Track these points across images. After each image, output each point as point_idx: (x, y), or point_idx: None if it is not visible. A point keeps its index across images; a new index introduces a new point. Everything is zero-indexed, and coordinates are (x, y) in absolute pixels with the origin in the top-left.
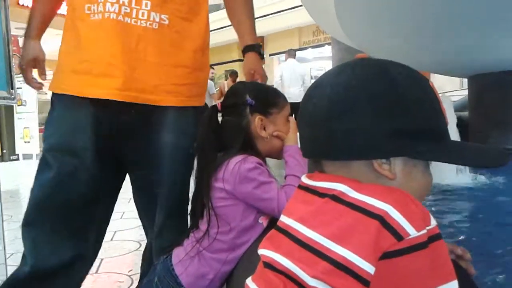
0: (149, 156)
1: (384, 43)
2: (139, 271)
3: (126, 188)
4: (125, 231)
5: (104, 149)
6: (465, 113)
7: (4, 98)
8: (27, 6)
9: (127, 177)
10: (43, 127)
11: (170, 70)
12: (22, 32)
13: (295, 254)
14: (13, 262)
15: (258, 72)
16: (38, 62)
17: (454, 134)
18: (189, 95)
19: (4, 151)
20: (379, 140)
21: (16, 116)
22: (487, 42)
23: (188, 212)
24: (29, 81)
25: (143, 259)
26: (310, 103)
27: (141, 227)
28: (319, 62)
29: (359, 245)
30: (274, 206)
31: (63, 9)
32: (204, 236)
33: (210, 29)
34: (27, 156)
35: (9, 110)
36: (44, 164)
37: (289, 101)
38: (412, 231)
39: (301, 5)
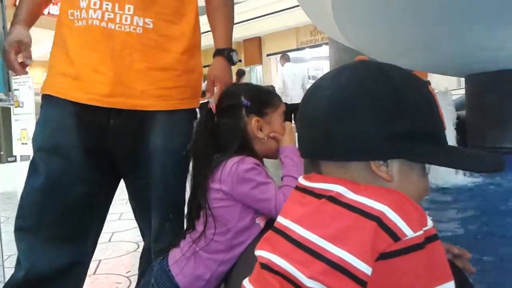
0: (141, 159)
1: (381, 44)
2: (137, 272)
3: (124, 189)
4: (123, 232)
5: (95, 151)
6: (463, 112)
7: (1, 100)
8: None
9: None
10: None
11: (157, 74)
12: None
13: (292, 255)
14: (11, 264)
15: (220, 80)
16: (22, 44)
17: (451, 133)
18: (180, 98)
19: (1, 152)
20: (378, 142)
21: (13, 117)
22: (484, 41)
23: (185, 215)
24: (11, 64)
25: (140, 261)
26: (309, 104)
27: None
28: (317, 62)
29: (356, 246)
30: (271, 207)
31: (56, 10)
32: (201, 237)
33: (206, 30)
34: (25, 158)
35: (6, 111)
36: (33, 168)
37: (291, 102)
38: (409, 232)
39: (298, 5)
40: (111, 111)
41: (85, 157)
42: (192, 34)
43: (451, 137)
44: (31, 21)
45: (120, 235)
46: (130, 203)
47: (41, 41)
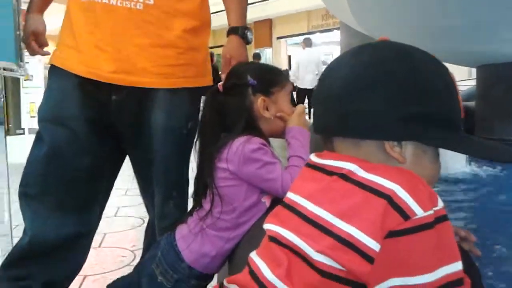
0: (142, 136)
1: (394, 29)
2: (141, 247)
3: (130, 165)
4: (128, 207)
5: (99, 124)
6: (472, 103)
7: (12, 70)
8: None
9: None
10: None
11: (158, 51)
12: None
13: (301, 229)
14: (19, 233)
15: (236, 58)
16: (37, 34)
17: None
18: (183, 76)
19: (10, 125)
20: (392, 122)
21: (22, 90)
22: (497, 32)
23: (189, 193)
24: (34, 52)
25: (145, 235)
26: (326, 81)
27: None
28: (327, 47)
29: (365, 223)
30: (278, 187)
31: None
32: (207, 215)
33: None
34: (33, 131)
35: (16, 84)
36: (37, 138)
37: (303, 87)
38: (419, 211)
39: None
40: (112, 87)
41: (89, 130)
42: (198, 11)
43: None
44: (46, 3)
45: (125, 210)
46: (136, 178)
47: (50, 15)
